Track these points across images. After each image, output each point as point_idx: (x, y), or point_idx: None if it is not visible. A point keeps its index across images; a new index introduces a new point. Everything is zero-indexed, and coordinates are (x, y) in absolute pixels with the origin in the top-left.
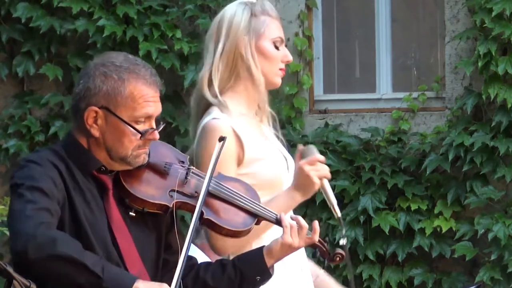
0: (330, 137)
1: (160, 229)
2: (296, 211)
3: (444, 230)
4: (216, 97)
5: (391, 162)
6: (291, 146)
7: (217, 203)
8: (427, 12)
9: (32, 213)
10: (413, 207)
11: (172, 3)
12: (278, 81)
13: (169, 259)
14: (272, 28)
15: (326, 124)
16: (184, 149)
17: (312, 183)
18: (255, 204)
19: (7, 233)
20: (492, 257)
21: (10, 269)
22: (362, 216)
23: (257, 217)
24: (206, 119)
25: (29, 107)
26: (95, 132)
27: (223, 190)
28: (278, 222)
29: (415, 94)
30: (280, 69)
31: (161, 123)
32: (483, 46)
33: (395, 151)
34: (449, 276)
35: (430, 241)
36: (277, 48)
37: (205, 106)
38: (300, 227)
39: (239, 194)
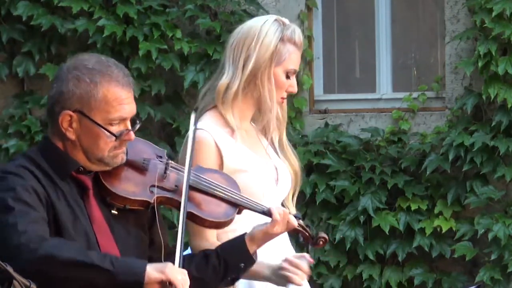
0: (330, 137)
1: (142, 225)
2: (297, 211)
3: (444, 230)
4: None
5: (391, 162)
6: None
7: (197, 196)
8: (427, 12)
9: (26, 227)
10: (413, 207)
11: (172, 3)
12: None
13: (153, 256)
14: (292, 59)
15: (326, 124)
16: None
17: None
18: (235, 194)
19: None
20: (492, 257)
21: (10, 269)
22: (362, 216)
23: (238, 207)
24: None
25: (29, 107)
26: (71, 135)
27: (202, 182)
28: (266, 213)
29: (415, 94)
30: (282, 98)
31: (137, 122)
32: (483, 46)
33: (395, 151)
34: (449, 276)
35: (430, 241)
36: (288, 77)
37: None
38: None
39: (218, 185)
